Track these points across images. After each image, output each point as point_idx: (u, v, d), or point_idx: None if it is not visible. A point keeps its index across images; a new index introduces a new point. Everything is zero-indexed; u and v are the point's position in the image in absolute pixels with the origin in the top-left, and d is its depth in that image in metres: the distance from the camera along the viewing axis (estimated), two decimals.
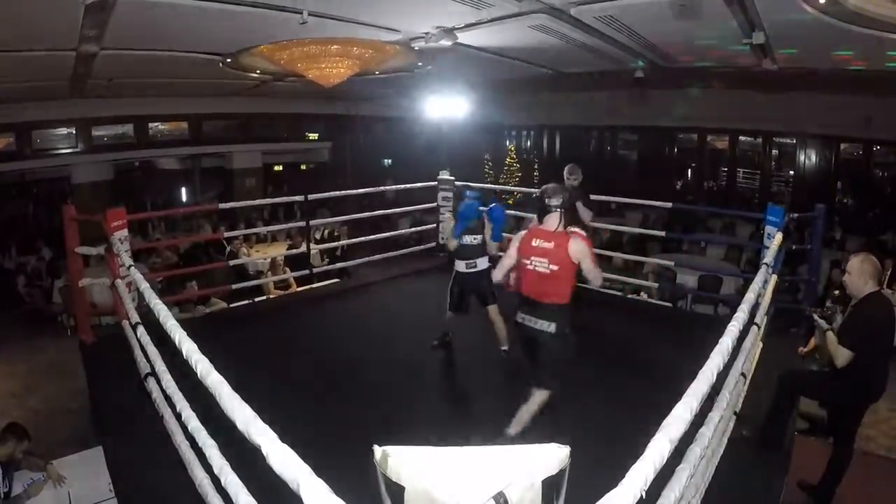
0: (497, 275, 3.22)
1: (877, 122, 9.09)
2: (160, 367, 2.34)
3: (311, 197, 6.20)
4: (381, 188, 7.85)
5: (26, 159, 10.55)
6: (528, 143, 15.25)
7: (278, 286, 7.29)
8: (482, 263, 4.01)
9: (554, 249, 2.81)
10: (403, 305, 5.46)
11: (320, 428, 3.14)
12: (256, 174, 13.60)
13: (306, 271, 6.10)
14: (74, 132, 10.97)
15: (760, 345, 3.28)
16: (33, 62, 6.18)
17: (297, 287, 6.95)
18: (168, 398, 2.23)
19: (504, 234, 4.03)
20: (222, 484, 1.60)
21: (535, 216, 5.00)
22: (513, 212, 7.43)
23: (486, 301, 4.00)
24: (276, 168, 14.93)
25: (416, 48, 6.34)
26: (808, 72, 7.02)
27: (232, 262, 7.00)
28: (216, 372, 1.58)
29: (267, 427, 1.28)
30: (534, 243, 2.88)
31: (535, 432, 2.76)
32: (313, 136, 14.52)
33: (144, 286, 2.50)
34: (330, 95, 10.24)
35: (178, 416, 2.08)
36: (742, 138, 12.03)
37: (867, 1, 4.24)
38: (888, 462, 4.40)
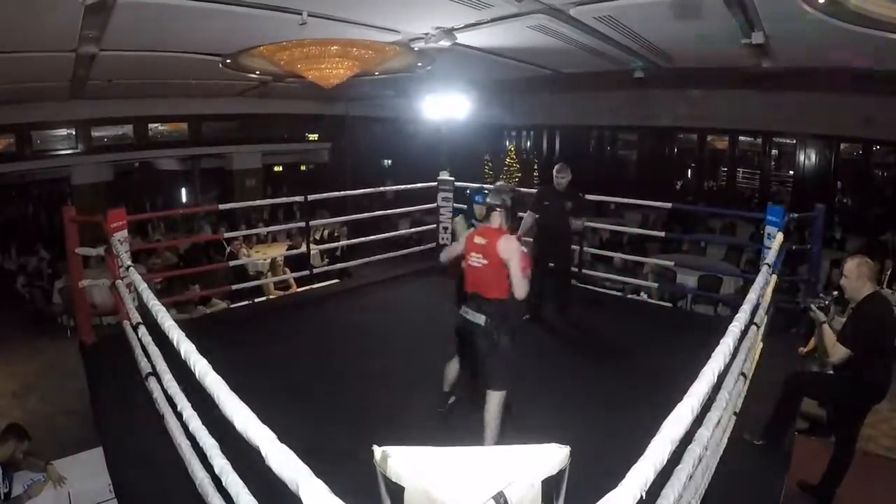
0: (442, 256, 3.40)
1: (877, 122, 9.08)
2: (161, 367, 2.34)
3: (310, 197, 6.20)
4: (381, 189, 7.86)
5: (26, 160, 10.55)
6: (528, 143, 15.24)
7: (278, 287, 7.29)
8: None
9: (487, 245, 2.89)
10: (403, 305, 5.46)
11: (320, 428, 3.15)
12: (256, 175, 13.60)
13: (306, 272, 6.10)
14: (74, 133, 10.97)
15: (760, 345, 3.28)
16: (33, 63, 6.18)
17: (297, 287, 6.95)
18: (169, 398, 2.23)
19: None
20: (223, 484, 1.60)
21: (526, 215, 5.07)
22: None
23: None
24: (276, 169, 14.93)
25: (416, 49, 6.34)
26: (808, 72, 7.02)
27: (232, 263, 7.00)
28: (214, 372, 1.58)
29: (266, 427, 1.28)
30: (475, 240, 2.98)
31: (535, 432, 2.76)
32: (313, 136, 14.52)
33: (143, 287, 2.51)
34: (330, 96, 10.24)
35: (178, 417, 2.08)
36: (742, 138, 12.03)
37: (867, 1, 4.24)
38: (888, 462, 4.40)
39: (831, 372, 3.11)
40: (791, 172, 11.37)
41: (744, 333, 2.28)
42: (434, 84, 8.21)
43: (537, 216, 4.88)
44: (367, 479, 1.12)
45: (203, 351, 1.72)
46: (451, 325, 3.09)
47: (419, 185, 6.87)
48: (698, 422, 1.73)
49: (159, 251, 8.46)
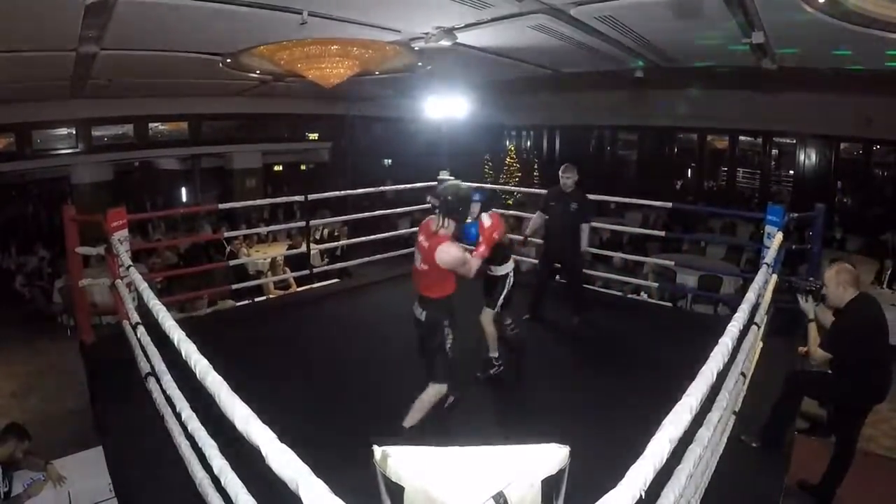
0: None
1: (877, 122, 9.08)
2: (160, 367, 2.34)
3: (311, 197, 6.20)
4: (381, 188, 7.85)
5: (26, 159, 10.55)
6: (528, 143, 15.25)
7: (278, 286, 7.29)
8: (498, 269, 3.82)
9: (427, 249, 2.86)
10: (403, 305, 5.43)
11: (320, 428, 3.14)
12: (256, 174, 13.60)
13: (306, 271, 6.10)
14: (74, 132, 10.97)
15: (760, 345, 3.28)
16: (33, 62, 6.18)
17: (297, 287, 6.95)
18: (168, 398, 2.23)
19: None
20: (222, 484, 1.60)
21: (534, 216, 5.06)
22: (513, 212, 7.46)
23: (486, 303, 3.87)
24: (277, 168, 14.93)
25: (416, 48, 6.34)
26: (808, 72, 7.02)
27: (232, 263, 7.00)
28: (214, 372, 1.58)
29: (266, 427, 1.28)
30: (419, 239, 2.96)
31: (535, 432, 2.76)
32: (313, 136, 14.52)
33: (143, 286, 2.51)
34: (330, 96, 10.23)
35: (178, 416, 2.08)
36: (742, 138, 12.04)
37: (867, 1, 4.24)
38: (888, 462, 4.40)
39: (830, 371, 3.12)
40: (791, 172, 11.37)
41: (743, 333, 2.28)
42: (434, 84, 8.21)
43: (546, 217, 4.87)
44: (367, 479, 1.12)
45: (203, 350, 1.72)
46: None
47: (419, 184, 6.86)
48: (698, 421, 1.73)
49: (159, 251, 8.46)
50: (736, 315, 2.20)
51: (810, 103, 9.39)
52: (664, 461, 1.24)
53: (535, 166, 14.44)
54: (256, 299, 6.42)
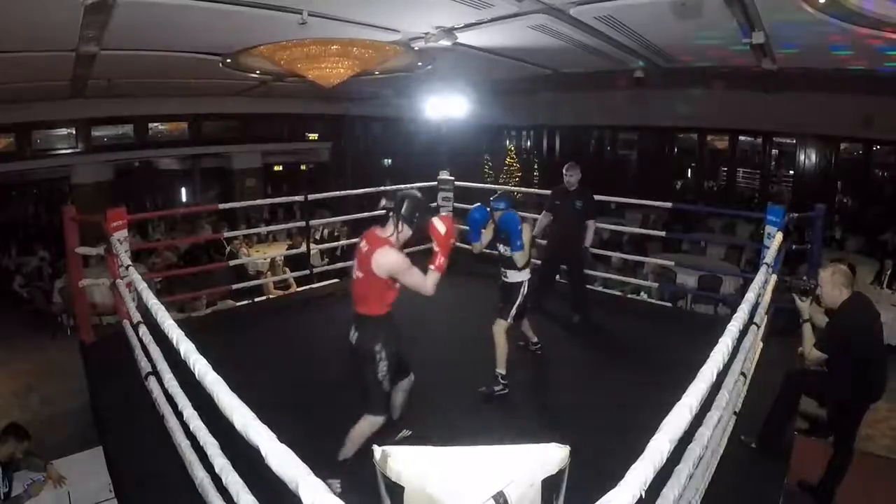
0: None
1: (877, 122, 9.07)
2: (161, 366, 2.34)
3: (310, 197, 6.19)
4: (381, 188, 7.85)
5: (26, 159, 10.55)
6: (528, 143, 15.23)
7: (278, 286, 7.29)
8: (512, 276, 3.67)
9: (365, 255, 2.57)
10: (402, 305, 5.45)
11: (320, 428, 3.14)
12: (256, 174, 13.60)
13: (306, 271, 6.10)
14: (74, 132, 10.98)
15: (760, 345, 3.28)
16: (34, 63, 6.18)
17: (297, 287, 6.94)
18: (169, 398, 2.23)
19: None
20: (223, 483, 1.60)
21: (541, 216, 5.05)
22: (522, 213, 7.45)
23: (499, 313, 3.67)
24: (276, 168, 14.93)
25: (416, 48, 6.34)
26: (808, 72, 7.02)
27: (232, 263, 7.00)
28: (213, 372, 1.58)
29: (265, 427, 1.28)
30: (360, 245, 2.67)
31: (535, 432, 2.76)
32: (313, 136, 14.52)
33: (143, 286, 2.50)
34: (330, 96, 10.24)
35: (178, 416, 2.08)
36: (742, 138, 12.02)
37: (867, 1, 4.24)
38: (888, 462, 4.40)
39: (827, 369, 3.13)
40: (791, 172, 11.36)
41: (743, 333, 2.28)
42: (434, 84, 8.20)
43: (552, 216, 4.87)
44: (367, 479, 1.12)
45: (202, 350, 1.72)
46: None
47: (419, 184, 6.86)
48: (698, 421, 1.73)
49: (159, 250, 8.46)
50: (736, 315, 2.20)
51: (810, 103, 9.38)
52: (664, 461, 1.24)
53: (535, 166, 14.43)
54: (256, 299, 6.41)
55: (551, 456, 1.04)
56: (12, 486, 3.47)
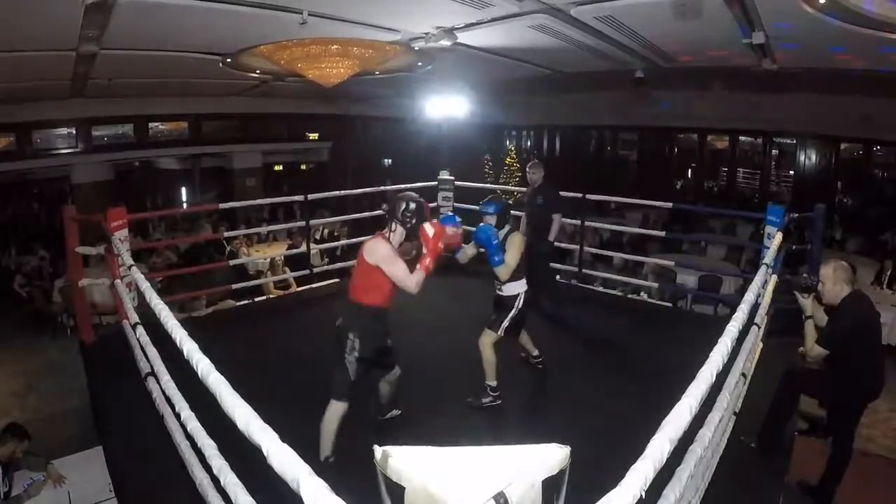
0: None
1: (877, 122, 9.08)
2: (160, 366, 2.34)
3: (310, 197, 6.20)
4: (381, 188, 7.86)
5: (26, 159, 10.54)
6: (528, 143, 15.25)
7: (278, 286, 7.29)
8: (506, 289, 3.55)
9: (363, 245, 2.84)
10: (402, 305, 5.45)
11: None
12: (256, 174, 13.59)
13: (306, 271, 6.10)
14: (74, 132, 10.96)
15: (760, 345, 3.28)
16: (34, 63, 6.18)
17: (297, 287, 6.94)
18: (168, 398, 2.23)
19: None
20: (222, 484, 1.60)
21: (522, 216, 5.07)
22: (512, 212, 7.45)
23: (489, 324, 3.58)
24: (277, 168, 14.93)
25: (416, 48, 6.34)
26: (807, 72, 7.02)
27: (232, 262, 7.00)
28: (216, 372, 1.58)
29: (267, 426, 1.28)
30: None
31: (535, 432, 2.76)
32: (313, 136, 14.51)
33: (145, 286, 2.51)
34: (330, 95, 10.23)
35: (178, 416, 2.08)
36: (742, 138, 12.04)
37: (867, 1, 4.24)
38: (888, 462, 4.40)
39: (826, 369, 3.14)
40: (791, 172, 11.37)
41: (743, 333, 2.29)
42: (434, 84, 8.21)
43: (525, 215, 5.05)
44: (367, 479, 1.12)
45: (203, 350, 1.72)
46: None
47: (419, 184, 6.86)
48: (699, 422, 1.73)
49: (160, 250, 8.46)
50: (735, 315, 2.20)
51: (810, 103, 9.39)
52: (664, 461, 1.24)
53: None
54: (256, 299, 6.42)
55: (552, 456, 1.04)
56: (12, 486, 3.48)
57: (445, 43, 5.81)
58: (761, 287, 3.09)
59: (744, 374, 2.67)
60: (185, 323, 1.94)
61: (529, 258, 4.94)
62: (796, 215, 4.77)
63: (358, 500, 1.05)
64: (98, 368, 4.03)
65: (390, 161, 15.78)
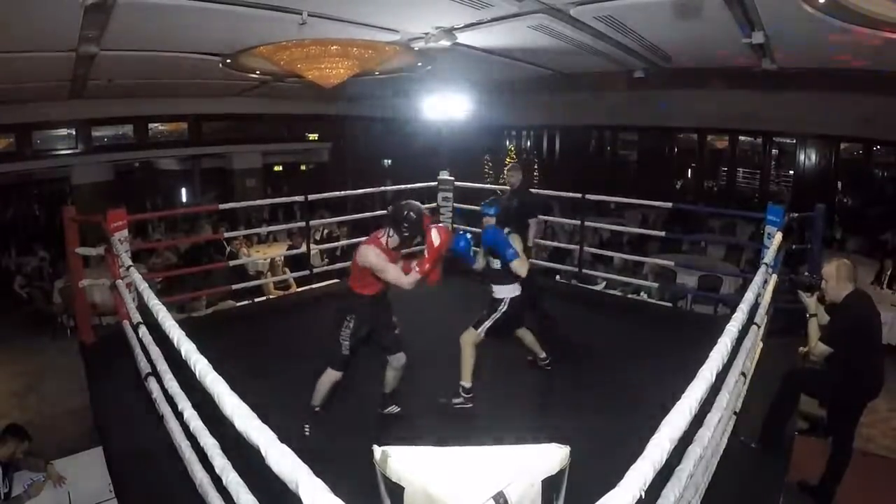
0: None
1: (877, 122, 9.07)
2: (161, 367, 2.34)
3: (310, 197, 6.20)
4: (381, 188, 7.86)
5: (26, 160, 10.56)
6: (528, 144, 15.22)
7: (278, 286, 7.29)
8: (498, 291, 3.57)
9: (360, 245, 3.07)
10: (402, 306, 5.44)
11: (320, 427, 3.15)
12: (256, 174, 13.60)
13: (306, 271, 6.10)
14: (74, 133, 10.98)
15: (760, 345, 3.28)
16: (33, 63, 6.18)
17: (297, 287, 6.94)
18: (169, 398, 2.23)
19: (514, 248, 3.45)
20: (223, 484, 1.60)
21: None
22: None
23: (474, 322, 3.57)
24: (276, 168, 14.94)
25: (416, 49, 6.34)
26: (808, 72, 7.01)
27: (232, 263, 7.00)
28: (214, 372, 1.58)
29: (266, 427, 1.28)
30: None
31: (535, 432, 2.76)
32: (313, 136, 14.52)
33: (144, 287, 2.51)
34: (330, 96, 10.24)
35: (178, 416, 2.08)
36: (742, 138, 12.02)
37: (867, 1, 4.23)
38: (888, 462, 4.39)
39: (826, 367, 3.14)
40: (791, 172, 11.36)
41: (743, 333, 2.29)
42: (434, 84, 8.21)
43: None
44: (367, 479, 1.12)
45: (202, 350, 1.72)
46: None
47: (419, 184, 6.86)
48: (699, 422, 1.73)
49: (159, 251, 8.46)
50: (735, 315, 2.20)
51: (810, 103, 9.38)
52: (664, 461, 1.24)
53: (536, 167, 14.42)
54: (256, 299, 6.41)
55: (551, 456, 1.04)
56: (12, 486, 3.48)
57: (445, 43, 5.81)
58: (761, 287, 3.09)
59: (744, 374, 2.67)
60: (184, 323, 1.94)
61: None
62: (796, 215, 4.76)
63: (358, 501, 1.05)
64: (98, 369, 4.03)
65: (390, 161, 15.78)
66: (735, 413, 2.76)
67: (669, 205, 6.40)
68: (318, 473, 1.08)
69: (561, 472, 1.05)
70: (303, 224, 6.53)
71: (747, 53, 5.97)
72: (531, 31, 5.59)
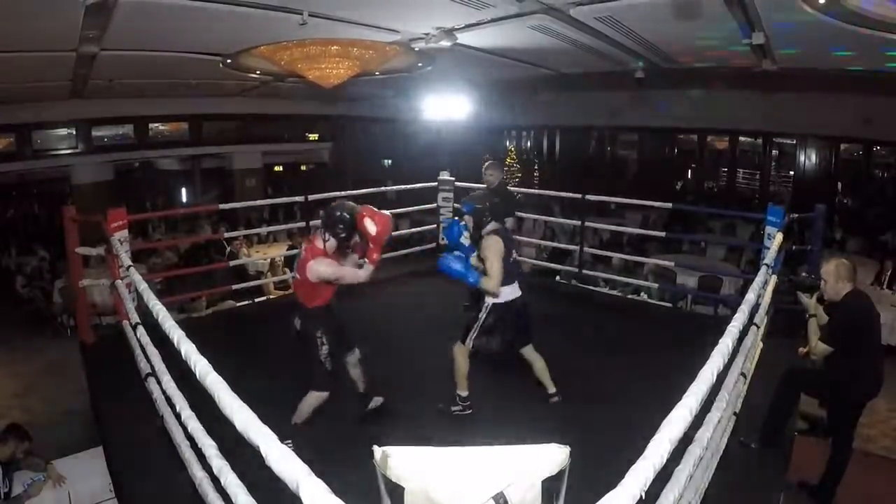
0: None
1: (877, 122, 9.07)
2: (160, 367, 2.34)
3: (311, 197, 6.20)
4: (381, 189, 7.86)
5: (26, 160, 10.56)
6: (528, 144, 15.22)
7: (278, 286, 7.29)
8: (484, 296, 3.39)
9: (302, 261, 2.98)
10: (403, 306, 5.46)
11: (320, 428, 3.14)
12: (256, 175, 13.60)
13: None
14: (74, 133, 10.98)
15: (760, 345, 3.28)
16: (34, 63, 6.18)
17: None
18: (168, 398, 2.23)
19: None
20: (222, 484, 1.60)
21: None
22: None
23: (461, 335, 3.43)
24: (277, 169, 14.93)
25: (416, 49, 6.34)
26: (808, 72, 7.02)
27: (232, 263, 7.00)
28: (214, 372, 1.58)
29: (266, 427, 1.28)
30: (303, 248, 3.07)
31: (535, 432, 2.76)
32: (313, 136, 14.52)
33: (143, 287, 2.51)
34: (330, 96, 10.24)
35: (177, 417, 2.08)
36: (742, 138, 12.02)
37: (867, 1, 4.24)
38: (888, 462, 4.40)
39: (825, 367, 3.15)
40: (791, 173, 11.36)
41: (743, 333, 2.29)
42: (434, 84, 8.21)
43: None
44: (367, 479, 1.12)
45: (203, 350, 1.72)
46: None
47: (419, 185, 6.86)
48: (699, 422, 1.73)
49: (160, 251, 8.46)
50: (736, 316, 2.20)
51: (810, 103, 9.38)
52: (664, 462, 1.24)
53: (536, 167, 14.43)
54: (256, 299, 6.42)
55: (551, 456, 1.04)
56: (12, 486, 3.48)
57: (445, 44, 5.81)
58: (762, 287, 3.10)
59: (744, 374, 2.67)
60: (184, 323, 1.94)
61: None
62: (796, 216, 4.76)
63: (358, 501, 1.05)
64: (98, 369, 4.03)
65: (390, 162, 15.78)
66: (735, 413, 2.75)
67: (669, 205, 6.40)
68: (318, 474, 1.08)
69: (561, 472, 1.05)
70: (303, 224, 6.53)
71: (747, 54, 5.97)
72: (531, 31, 5.59)
